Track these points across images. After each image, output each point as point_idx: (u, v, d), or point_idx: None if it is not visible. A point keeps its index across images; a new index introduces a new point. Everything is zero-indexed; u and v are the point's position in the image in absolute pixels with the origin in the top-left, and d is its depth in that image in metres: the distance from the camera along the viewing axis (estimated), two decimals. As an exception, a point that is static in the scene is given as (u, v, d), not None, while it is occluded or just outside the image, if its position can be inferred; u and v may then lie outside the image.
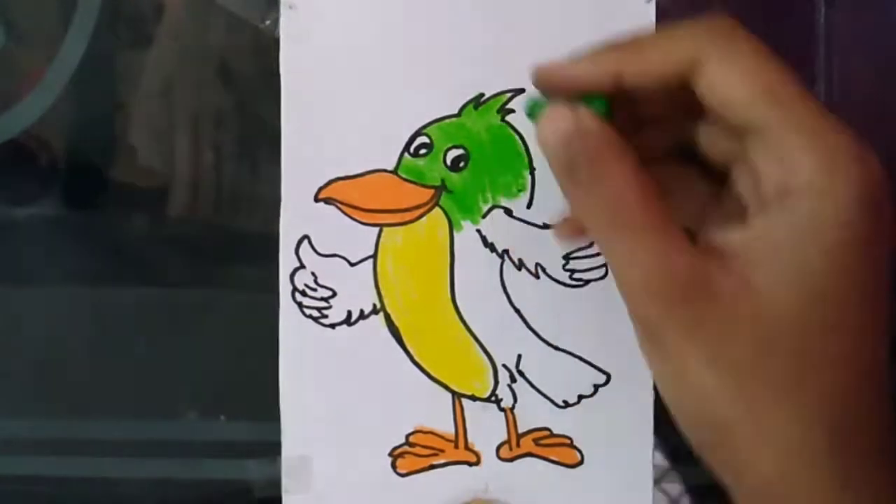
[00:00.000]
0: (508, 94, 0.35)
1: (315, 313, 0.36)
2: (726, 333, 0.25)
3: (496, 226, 0.36)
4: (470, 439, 0.36)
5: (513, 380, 0.36)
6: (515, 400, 0.36)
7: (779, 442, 0.25)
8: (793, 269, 0.25)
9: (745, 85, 0.26)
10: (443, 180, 0.36)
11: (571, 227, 0.32)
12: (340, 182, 0.36)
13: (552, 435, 0.36)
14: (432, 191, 0.36)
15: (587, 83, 0.28)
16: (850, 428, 0.25)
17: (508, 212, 0.36)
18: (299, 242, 0.36)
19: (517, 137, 0.35)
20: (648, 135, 0.30)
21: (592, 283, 0.35)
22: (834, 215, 0.25)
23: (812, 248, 0.25)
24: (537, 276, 0.36)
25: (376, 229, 0.36)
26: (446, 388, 0.36)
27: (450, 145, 0.36)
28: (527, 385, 0.36)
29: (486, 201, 0.36)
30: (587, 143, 0.26)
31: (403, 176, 0.36)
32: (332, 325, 0.36)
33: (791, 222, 0.25)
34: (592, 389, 0.36)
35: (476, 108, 0.35)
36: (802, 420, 0.25)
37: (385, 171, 0.36)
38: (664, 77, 0.27)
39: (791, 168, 0.25)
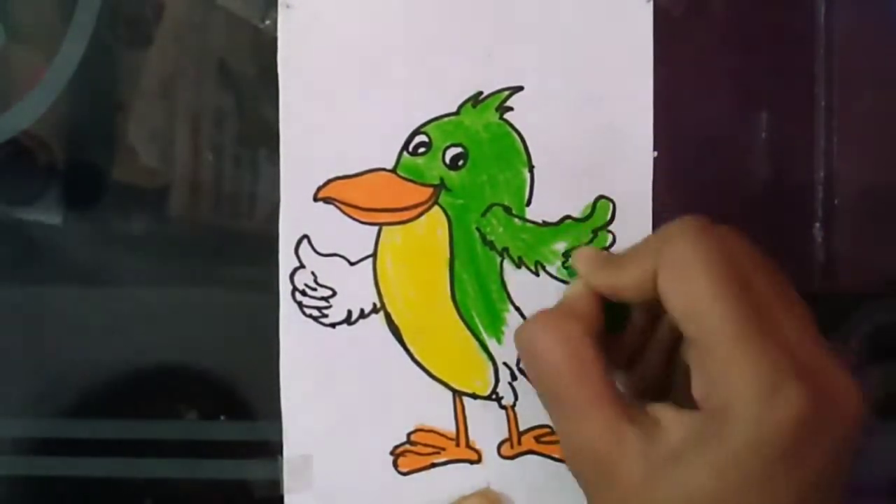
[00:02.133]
0: (507, 92, 0.35)
1: (315, 313, 0.36)
2: None
3: (495, 224, 0.36)
4: (471, 437, 0.36)
5: (513, 377, 0.36)
6: (516, 398, 0.36)
7: None
8: (678, 482, 0.26)
9: (678, 301, 0.28)
10: (442, 179, 0.36)
11: None
12: (339, 181, 0.36)
13: (553, 432, 0.36)
14: (431, 189, 0.36)
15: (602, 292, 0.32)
16: None
17: (507, 210, 0.36)
18: (299, 242, 0.36)
19: (516, 135, 0.35)
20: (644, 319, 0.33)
21: (592, 281, 0.35)
22: (716, 452, 0.26)
23: (697, 470, 0.26)
24: (537, 274, 0.36)
25: (376, 228, 0.36)
26: (447, 386, 0.36)
27: (448, 144, 0.36)
28: (527, 383, 0.36)
29: (485, 199, 0.36)
30: (566, 367, 0.29)
31: (402, 175, 0.36)
32: (333, 325, 0.36)
33: (692, 436, 0.27)
34: (593, 387, 0.36)
35: (475, 106, 0.35)
36: None
37: (384, 170, 0.36)
38: (641, 291, 0.29)
39: (710, 388, 0.27)
